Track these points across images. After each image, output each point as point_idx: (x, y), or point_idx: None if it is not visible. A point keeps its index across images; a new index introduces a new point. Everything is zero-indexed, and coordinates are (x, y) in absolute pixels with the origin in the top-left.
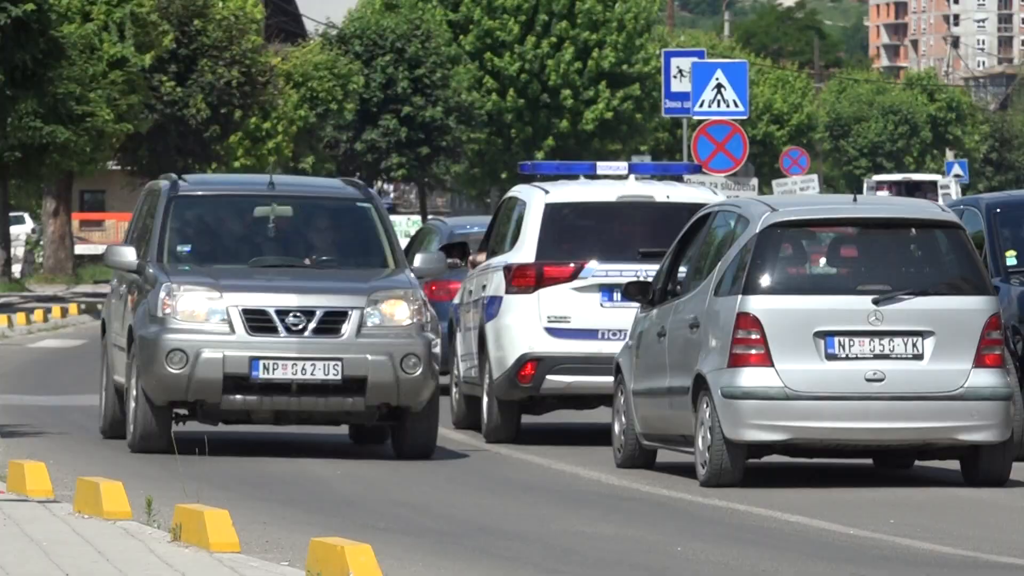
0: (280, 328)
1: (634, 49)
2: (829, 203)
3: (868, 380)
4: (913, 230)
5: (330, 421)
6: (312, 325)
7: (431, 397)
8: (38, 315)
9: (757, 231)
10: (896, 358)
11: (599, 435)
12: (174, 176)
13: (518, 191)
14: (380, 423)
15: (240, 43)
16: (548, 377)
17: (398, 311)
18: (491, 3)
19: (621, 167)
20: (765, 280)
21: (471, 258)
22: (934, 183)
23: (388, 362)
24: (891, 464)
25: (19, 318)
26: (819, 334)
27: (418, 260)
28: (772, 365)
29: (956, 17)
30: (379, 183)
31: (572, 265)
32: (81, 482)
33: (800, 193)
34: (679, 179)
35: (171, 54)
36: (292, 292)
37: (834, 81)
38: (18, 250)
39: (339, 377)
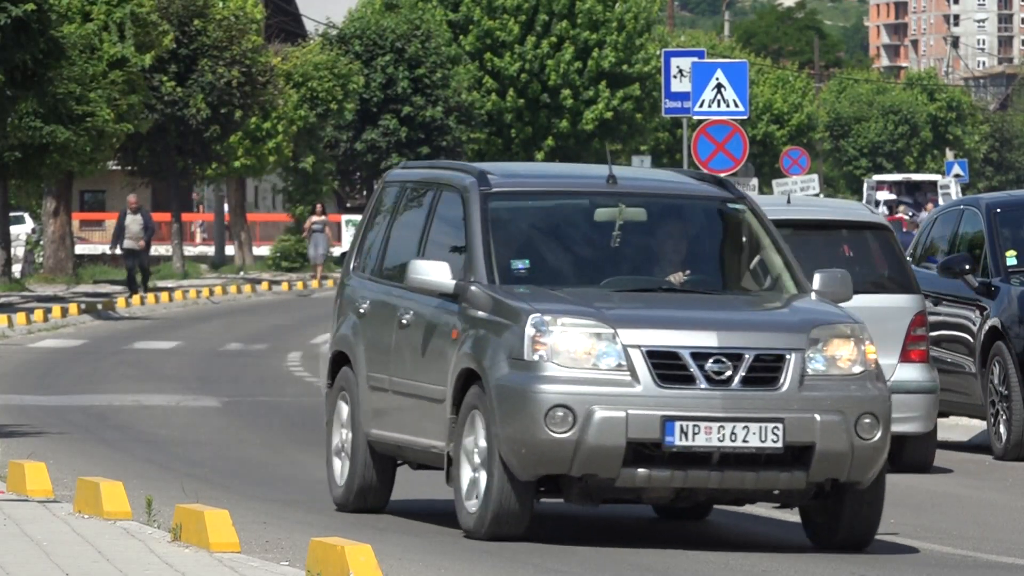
0: (699, 377)
1: (634, 49)
2: (764, 205)
3: None
4: (844, 231)
5: (748, 500)
6: (740, 373)
7: (882, 469)
8: (38, 315)
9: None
10: None
11: None
12: (475, 167)
13: None
14: (811, 502)
15: (240, 43)
16: None
17: (845, 353)
18: (491, 3)
19: None
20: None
21: None
22: (934, 183)
23: (841, 423)
24: None
25: (19, 318)
26: None
27: (819, 280)
28: None
29: (956, 17)
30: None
31: None
32: (81, 482)
33: (800, 193)
34: None
35: (171, 54)
36: (709, 328)
37: (834, 81)
38: (18, 250)
39: (779, 444)
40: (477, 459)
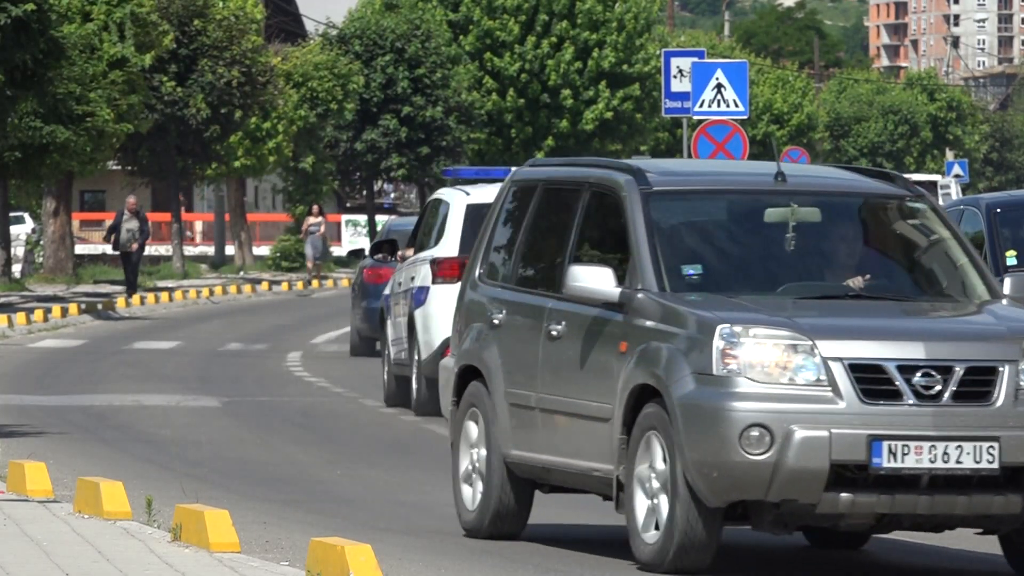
0: (906, 392)
1: (634, 49)
2: None
3: None
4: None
5: (951, 526)
6: (951, 388)
7: None
8: (38, 315)
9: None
10: None
11: None
12: (629, 164)
13: (442, 193)
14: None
15: (240, 43)
16: None
17: None
18: (491, 3)
19: None
20: None
21: (400, 253)
22: (934, 183)
23: None
24: None
25: (19, 318)
26: None
27: (1010, 284)
28: None
29: (956, 17)
30: (379, 183)
31: None
32: (81, 482)
33: None
34: None
35: (171, 54)
36: (916, 338)
37: (834, 81)
38: (18, 250)
39: (995, 465)
40: (655, 484)
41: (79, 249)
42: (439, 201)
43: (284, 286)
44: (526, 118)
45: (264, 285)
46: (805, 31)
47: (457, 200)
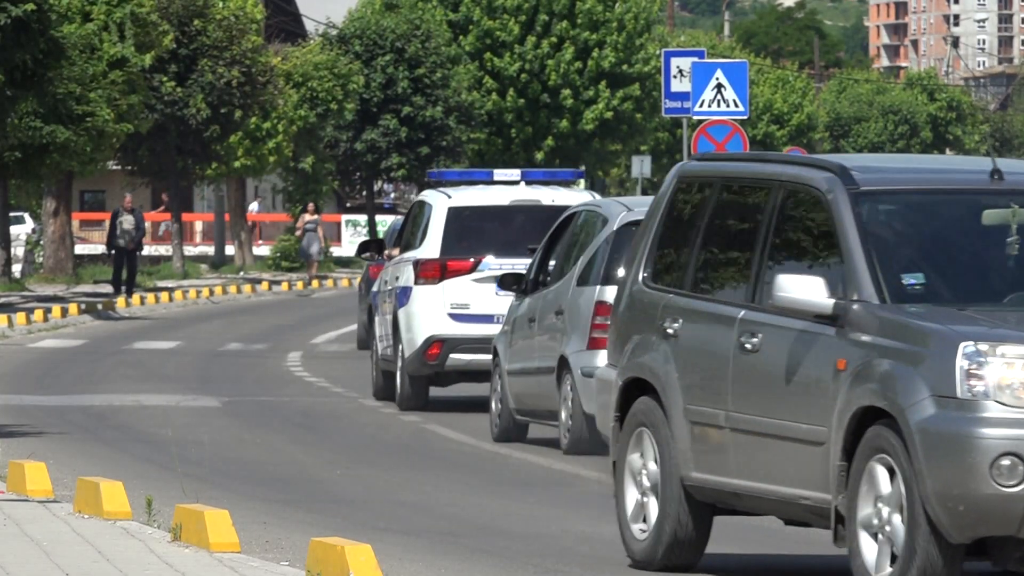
0: None
1: (634, 49)
2: (638, 205)
3: None
4: None
5: None
6: None
7: None
8: (38, 315)
9: (614, 228)
10: None
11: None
12: (830, 161)
13: (426, 196)
14: None
15: (240, 43)
16: (451, 355)
17: None
18: (491, 3)
19: (515, 174)
20: (621, 272)
21: (387, 252)
22: None
23: None
24: None
25: (19, 318)
26: None
27: None
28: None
29: (956, 17)
30: (379, 183)
31: (471, 260)
32: (81, 482)
33: None
34: (570, 184)
35: (171, 54)
36: None
37: (834, 81)
38: (18, 250)
39: None
40: (883, 516)
41: (79, 249)
42: (423, 203)
43: (284, 286)
44: (526, 118)
45: (264, 285)
46: (805, 31)
47: (439, 203)
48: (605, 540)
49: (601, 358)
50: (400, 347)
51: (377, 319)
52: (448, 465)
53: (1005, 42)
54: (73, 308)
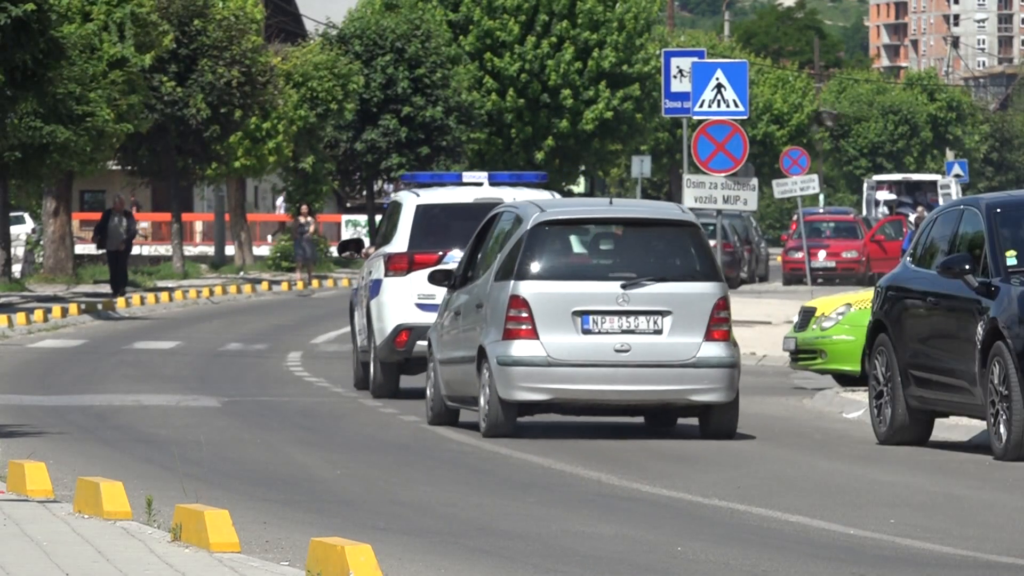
0: None
1: (634, 49)
2: (588, 205)
3: (617, 351)
4: (661, 228)
5: None
6: None
7: None
8: (38, 315)
9: (528, 228)
10: (640, 333)
11: (599, 433)
12: None
13: (399, 196)
14: None
15: (240, 43)
16: (418, 343)
17: None
18: (491, 3)
19: (482, 176)
20: (533, 268)
21: (365, 250)
22: (934, 183)
23: None
24: (660, 422)
25: (19, 318)
26: (576, 313)
27: None
28: (538, 338)
29: (956, 17)
30: (379, 183)
31: (438, 253)
32: (81, 482)
33: (800, 193)
34: (535, 187)
35: (171, 54)
36: None
37: (834, 81)
38: (18, 250)
39: None
40: None
41: (79, 249)
42: (396, 203)
43: (284, 286)
44: (526, 118)
45: (264, 285)
46: (805, 31)
47: (409, 201)
48: (607, 540)
49: (515, 348)
50: (372, 336)
51: (356, 313)
52: (448, 465)
53: (1005, 42)
54: (73, 308)
